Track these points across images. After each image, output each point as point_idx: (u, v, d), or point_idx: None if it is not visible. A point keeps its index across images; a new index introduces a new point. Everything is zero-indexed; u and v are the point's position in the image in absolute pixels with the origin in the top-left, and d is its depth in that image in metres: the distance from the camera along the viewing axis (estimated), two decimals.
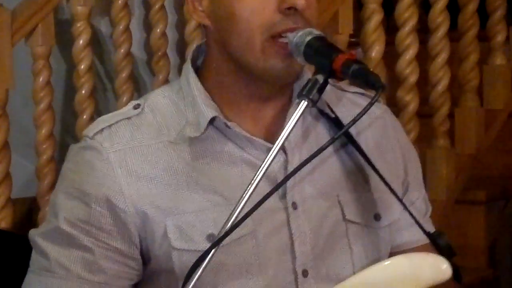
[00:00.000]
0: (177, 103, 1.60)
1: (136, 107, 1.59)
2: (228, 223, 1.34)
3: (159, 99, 1.61)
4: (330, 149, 1.57)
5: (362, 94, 1.65)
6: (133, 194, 1.52)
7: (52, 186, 2.83)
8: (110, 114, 1.63)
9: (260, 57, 1.49)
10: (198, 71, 1.60)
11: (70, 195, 1.55)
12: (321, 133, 1.61)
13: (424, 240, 1.58)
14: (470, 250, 3.09)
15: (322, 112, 1.60)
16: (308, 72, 1.51)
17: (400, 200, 1.60)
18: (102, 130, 1.55)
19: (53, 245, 1.53)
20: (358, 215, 1.61)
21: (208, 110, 1.53)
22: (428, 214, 1.71)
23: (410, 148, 1.73)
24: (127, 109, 1.59)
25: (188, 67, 1.60)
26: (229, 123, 1.53)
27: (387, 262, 1.53)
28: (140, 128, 1.56)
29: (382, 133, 1.69)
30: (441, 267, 1.46)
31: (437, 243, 1.55)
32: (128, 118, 1.57)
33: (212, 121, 1.53)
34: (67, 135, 3.33)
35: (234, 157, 1.56)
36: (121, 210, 1.51)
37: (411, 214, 1.59)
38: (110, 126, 1.56)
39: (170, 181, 1.54)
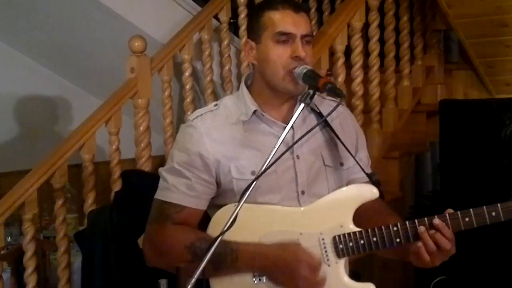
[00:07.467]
0: (237, 103, 1.80)
1: (215, 105, 1.82)
2: (264, 165, 1.50)
3: (227, 100, 1.84)
4: (317, 128, 1.76)
5: (334, 100, 1.82)
6: (213, 150, 1.73)
7: None
8: (201, 109, 1.84)
9: (281, 82, 1.72)
10: (248, 87, 1.81)
11: (179, 150, 1.77)
12: (312, 120, 1.81)
13: (366, 178, 1.84)
14: (390, 183, 3.64)
15: (312, 109, 1.82)
16: (305, 88, 1.66)
17: (353, 156, 1.83)
18: (197, 116, 1.79)
19: (170, 175, 1.76)
20: (331, 162, 1.82)
21: (252, 106, 1.76)
22: (369, 164, 1.93)
23: (359, 129, 1.95)
24: (210, 106, 1.83)
25: (242, 84, 1.82)
26: (263, 113, 1.74)
27: (345, 188, 1.82)
28: (217, 116, 1.78)
29: (344, 121, 1.89)
30: (373, 191, 1.76)
31: (372, 179, 1.81)
32: (211, 111, 1.80)
33: (254, 112, 1.75)
34: (179, 122, 3.60)
35: (266, 131, 1.75)
36: (206, 158, 1.73)
37: (359, 164, 1.83)
38: (201, 114, 1.79)
39: (232, 143, 1.74)
